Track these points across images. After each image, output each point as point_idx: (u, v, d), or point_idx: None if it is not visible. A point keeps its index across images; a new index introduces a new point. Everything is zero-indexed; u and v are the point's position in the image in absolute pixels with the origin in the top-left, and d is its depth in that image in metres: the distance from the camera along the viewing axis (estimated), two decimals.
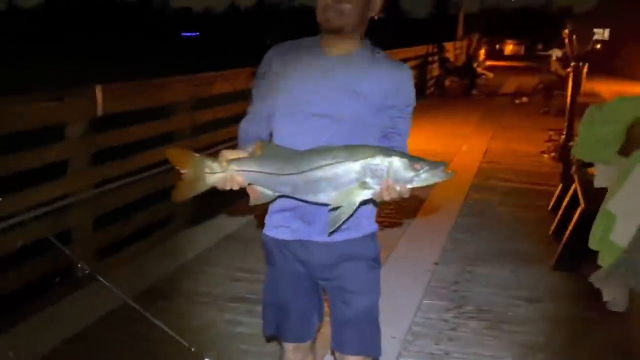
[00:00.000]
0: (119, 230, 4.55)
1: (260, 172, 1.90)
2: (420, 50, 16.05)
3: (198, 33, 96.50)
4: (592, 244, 3.11)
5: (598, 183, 3.70)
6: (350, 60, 2.07)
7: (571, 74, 8.15)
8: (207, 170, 1.93)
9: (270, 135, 2.17)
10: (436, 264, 4.69)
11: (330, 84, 2.04)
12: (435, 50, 17.18)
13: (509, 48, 39.29)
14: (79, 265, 2.90)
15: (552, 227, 5.39)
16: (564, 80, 11.58)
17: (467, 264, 4.74)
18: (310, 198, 1.89)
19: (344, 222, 1.88)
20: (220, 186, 1.93)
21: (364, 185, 1.83)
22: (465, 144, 9.62)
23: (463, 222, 5.77)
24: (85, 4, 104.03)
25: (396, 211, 5.86)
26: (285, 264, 2.21)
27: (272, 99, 2.12)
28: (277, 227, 2.19)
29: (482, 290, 4.26)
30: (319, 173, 1.84)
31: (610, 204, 2.93)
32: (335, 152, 1.84)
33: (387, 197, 1.83)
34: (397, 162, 1.82)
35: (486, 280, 4.45)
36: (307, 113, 2.04)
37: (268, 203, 2.07)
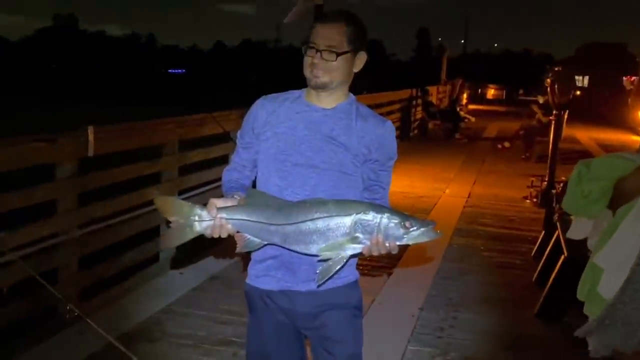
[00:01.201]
0: (104, 270, 4.53)
1: (250, 220, 1.94)
2: (404, 94, 16.29)
3: (184, 70, 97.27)
4: (580, 295, 3.17)
5: (572, 234, 3.78)
6: (335, 114, 2.15)
7: (553, 122, 8.33)
8: (196, 218, 1.97)
9: (254, 183, 2.23)
10: (421, 309, 4.71)
11: (316, 135, 2.11)
12: (419, 94, 17.43)
13: (491, 92, 39.91)
14: (68, 308, 2.90)
15: (535, 275, 5.44)
16: (545, 127, 11.82)
17: (451, 309, 4.76)
18: (300, 249, 1.93)
19: (334, 274, 1.93)
20: (208, 234, 1.97)
21: (354, 240, 1.89)
22: (448, 188, 9.72)
23: (447, 266, 5.81)
24: (74, 37, 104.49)
25: (380, 256, 5.87)
26: (268, 313, 2.23)
27: (258, 148, 2.19)
28: (259, 276, 2.22)
29: (466, 337, 4.28)
30: (310, 225, 1.88)
31: (597, 258, 2.99)
32: (328, 206, 1.89)
33: (375, 252, 1.90)
34: (388, 219, 1.88)
35: (471, 326, 4.47)
36: (292, 163, 2.11)
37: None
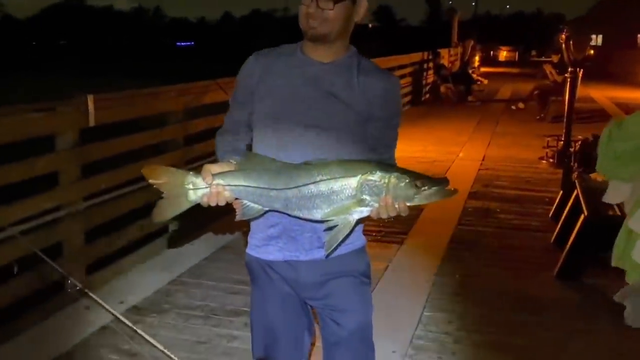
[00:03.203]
0: (111, 244, 4.43)
1: (248, 186, 1.81)
2: (415, 57, 15.99)
3: (193, 42, 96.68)
4: (613, 261, 3.02)
5: (608, 198, 3.60)
6: (335, 68, 1.98)
7: (568, 80, 8.08)
8: (190, 186, 1.83)
9: (250, 147, 2.08)
10: (435, 274, 4.59)
11: (315, 92, 1.95)
12: (430, 57, 17.13)
13: (503, 54, 39.41)
14: (69, 281, 2.80)
15: (554, 236, 5.30)
16: (559, 86, 11.55)
17: (467, 273, 4.64)
18: (303, 214, 1.80)
19: (342, 242, 1.79)
20: (204, 202, 1.83)
21: (361, 203, 1.75)
22: (462, 151, 9.54)
23: (462, 230, 5.67)
24: (81, 13, 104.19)
25: (393, 220, 5.75)
26: (272, 285, 2.10)
27: (253, 107, 2.02)
28: (260, 246, 2.08)
29: (483, 301, 4.16)
30: (313, 189, 1.75)
31: (632, 222, 2.82)
32: (331, 167, 1.76)
33: (384, 215, 1.75)
34: (397, 178, 1.73)
35: (487, 291, 4.34)
36: (292, 122, 1.94)
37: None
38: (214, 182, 1.81)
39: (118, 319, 2.91)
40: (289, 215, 1.86)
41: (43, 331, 3.61)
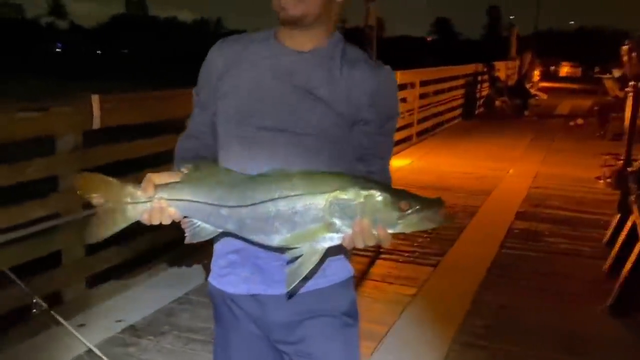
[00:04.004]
0: (113, 256, 4.11)
1: (196, 201, 1.43)
2: (469, 68, 15.45)
3: None
4: None
5: None
6: (313, 58, 1.58)
7: (631, 95, 7.46)
8: (128, 199, 1.47)
9: (215, 157, 1.69)
10: (471, 303, 4.11)
11: (287, 87, 1.56)
12: (485, 69, 16.53)
13: (565, 70, 38.25)
14: (34, 301, 2.48)
15: (607, 264, 4.75)
16: (620, 102, 10.85)
17: (505, 303, 4.15)
18: (260, 239, 1.42)
19: (305, 277, 1.40)
20: (145, 220, 1.46)
21: (330, 227, 1.36)
22: (513, 168, 8.97)
23: (505, 254, 5.17)
24: (145, 24, 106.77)
25: (430, 241, 5.30)
26: (236, 324, 1.70)
27: (215, 107, 1.64)
28: (222, 275, 1.68)
29: (522, 337, 3.67)
30: (271, 207, 1.37)
31: None
32: (294, 181, 1.38)
33: (360, 244, 1.35)
34: (376, 197, 1.34)
35: (527, 324, 3.85)
36: (256, 126, 1.56)
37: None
38: (156, 196, 1.44)
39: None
40: (245, 239, 1.47)
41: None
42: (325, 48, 1.59)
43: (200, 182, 1.45)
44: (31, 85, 31.11)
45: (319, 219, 1.35)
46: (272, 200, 1.36)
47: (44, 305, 2.42)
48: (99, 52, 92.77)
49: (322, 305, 1.64)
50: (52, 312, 2.41)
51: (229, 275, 1.66)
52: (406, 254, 4.94)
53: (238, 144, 1.58)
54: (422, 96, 11.38)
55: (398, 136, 9.49)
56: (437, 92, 12.56)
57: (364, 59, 1.61)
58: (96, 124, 3.79)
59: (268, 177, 1.40)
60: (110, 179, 1.51)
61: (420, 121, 11.32)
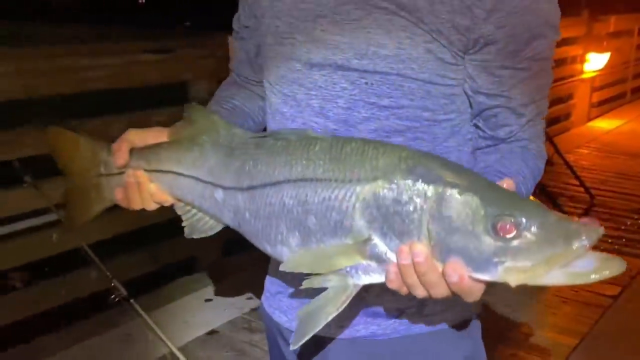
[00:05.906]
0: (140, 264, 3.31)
1: (183, 174, 0.94)
2: None
3: None
4: None
5: None
6: None
7: None
8: (101, 169, 1.04)
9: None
10: None
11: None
12: None
13: None
14: (112, 285, 1.99)
15: None
16: None
17: None
18: (265, 251, 0.90)
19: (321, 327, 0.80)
20: (121, 200, 1.01)
21: (364, 249, 0.75)
22: None
23: None
24: None
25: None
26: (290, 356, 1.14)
27: (259, 40, 1.11)
28: (274, 294, 1.17)
29: None
30: (272, 196, 0.82)
31: None
32: (318, 152, 0.80)
33: (412, 288, 0.75)
34: (454, 198, 0.70)
35: None
36: (302, 60, 1.00)
37: None
38: (131, 164, 0.99)
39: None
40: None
41: None
42: None
43: (190, 144, 0.93)
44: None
45: (346, 229, 0.75)
46: (274, 184, 0.82)
47: (124, 291, 1.93)
48: None
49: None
50: (131, 301, 1.91)
51: (279, 295, 1.14)
52: (609, 240, 3.90)
53: (285, 87, 1.03)
54: None
55: (607, 93, 8.23)
56: None
57: None
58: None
59: (281, 143, 0.85)
60: (82, 138, 1.06)
61: (635, 76, 9.85)
